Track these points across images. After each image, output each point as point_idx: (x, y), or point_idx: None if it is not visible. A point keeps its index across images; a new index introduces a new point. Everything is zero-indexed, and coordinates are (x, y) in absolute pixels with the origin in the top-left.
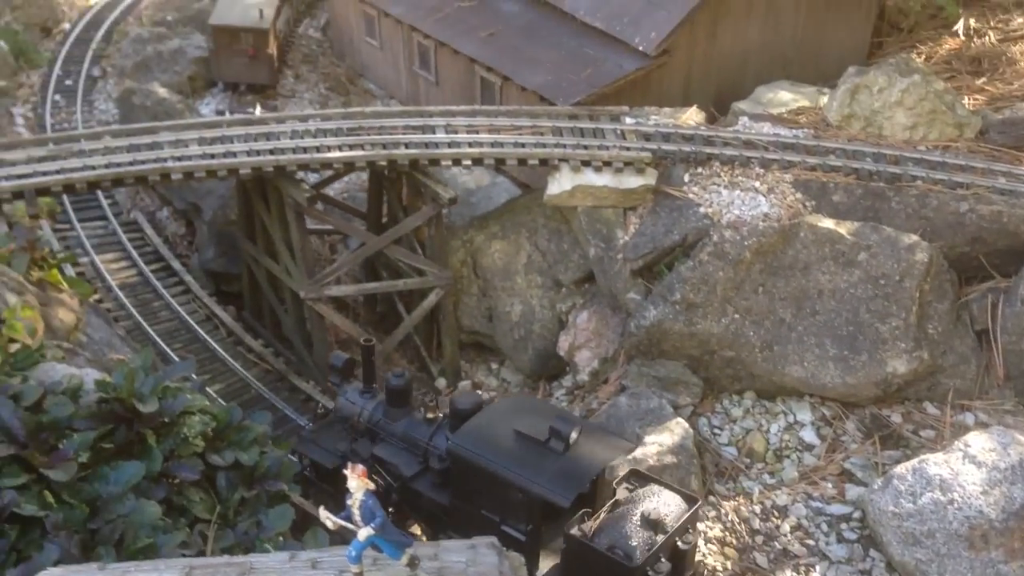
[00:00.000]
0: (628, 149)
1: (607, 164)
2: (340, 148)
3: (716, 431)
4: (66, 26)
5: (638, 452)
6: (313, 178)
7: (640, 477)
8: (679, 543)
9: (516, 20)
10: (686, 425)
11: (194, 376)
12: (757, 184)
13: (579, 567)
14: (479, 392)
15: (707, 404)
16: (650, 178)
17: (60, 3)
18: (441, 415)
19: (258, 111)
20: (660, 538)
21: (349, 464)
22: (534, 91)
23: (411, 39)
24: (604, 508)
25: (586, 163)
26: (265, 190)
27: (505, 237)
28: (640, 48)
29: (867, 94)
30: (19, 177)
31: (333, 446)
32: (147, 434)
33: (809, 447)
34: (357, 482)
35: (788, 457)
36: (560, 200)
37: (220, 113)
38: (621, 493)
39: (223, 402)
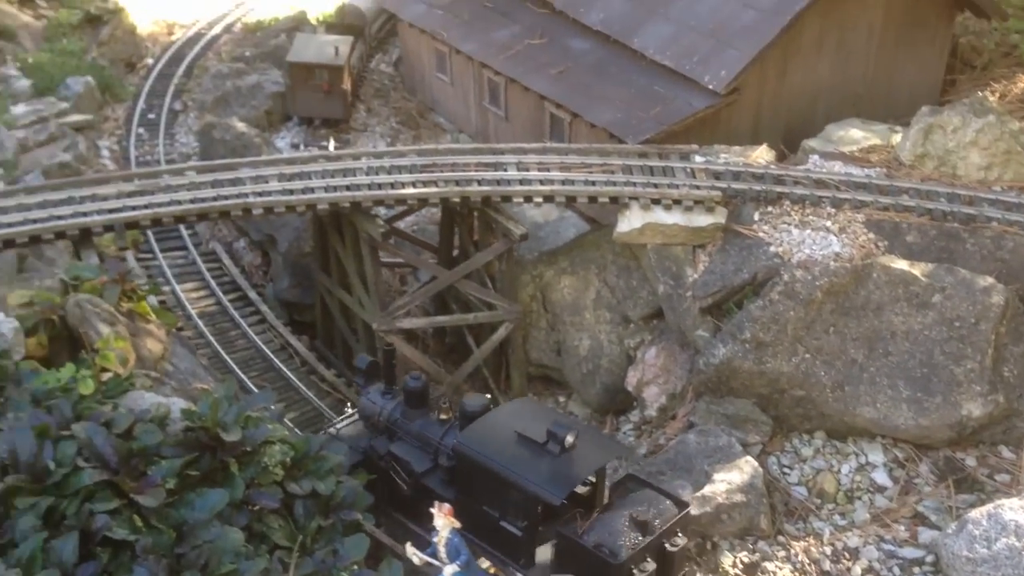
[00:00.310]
0: (698, 187)
1: (677, 202)
2: (414, 184)
3: (786, 470)
4: (149, 61)
5: (706, 490)
6: (385, 210)
7: (636, 481)
8: (667, 545)
9: (586, 58)
10: (755, 463)
11: (273, 406)
12: (828, 223)
13: (569, 563)
14: (487, 396)
15: (777, 443)
16: (720, 216)
17: (144, 39)
18: (454, 416)
19: (331, 145)
20: (646, 539)
21: (436, 503)
22: (604, 128)
23: (481, 75)
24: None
25: (656, 201)
26: (340, 224)
27: (574, 272)
28: (710, 86)
29: (941, 134)
30: (110, 211)
31: (355, 443)
32: (230, 462)
33: (881, 489)
34: (444, 520)
35: (859, 498)
36: (629, 238)
37: (295, 146)
38: (616, 495)
39: (298, 431)
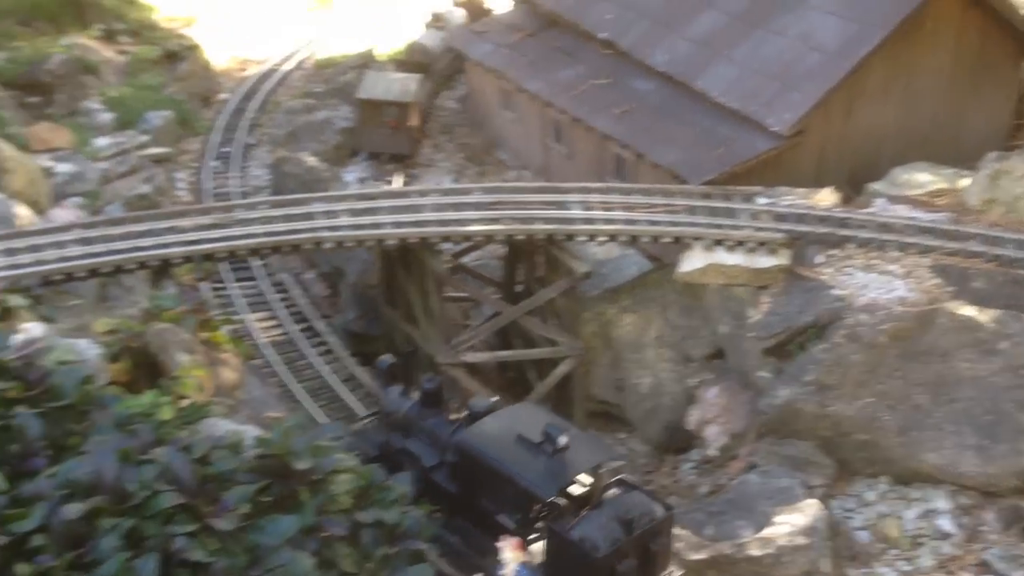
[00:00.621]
0: (761, 229)
1: (740, 243)
2: (480, 221)
3: (849, 514)
4: (224, 96)
5: (767, 531)
6: (451, 246)
7: (626, 484)
8: (650, 545)
9: (650, 98)
10: (818, 506)
11: (343, 436)
12: (894, 267)
13: (557, 555)
14: (495, 398)
15: (840, 486)
16: (783, 258)
17: (219, 75)
18: (464, 417)
19: (397, 180)
20: (628, 537)
21: (503, 537)
22: (667, 168)
23: (546, 114)
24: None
25: (719, 242)
26: (407, 258)
27: (636, 311)
28: (774, 128)
29: (1008, 179)
30: (189, 243)
31: (374, 438)
32: (301, 490)
33: (946, 536)
34: (512, 554)
35: (924, 544)
36: (692, 277)
37: (363, 181)
38: (607, 496)
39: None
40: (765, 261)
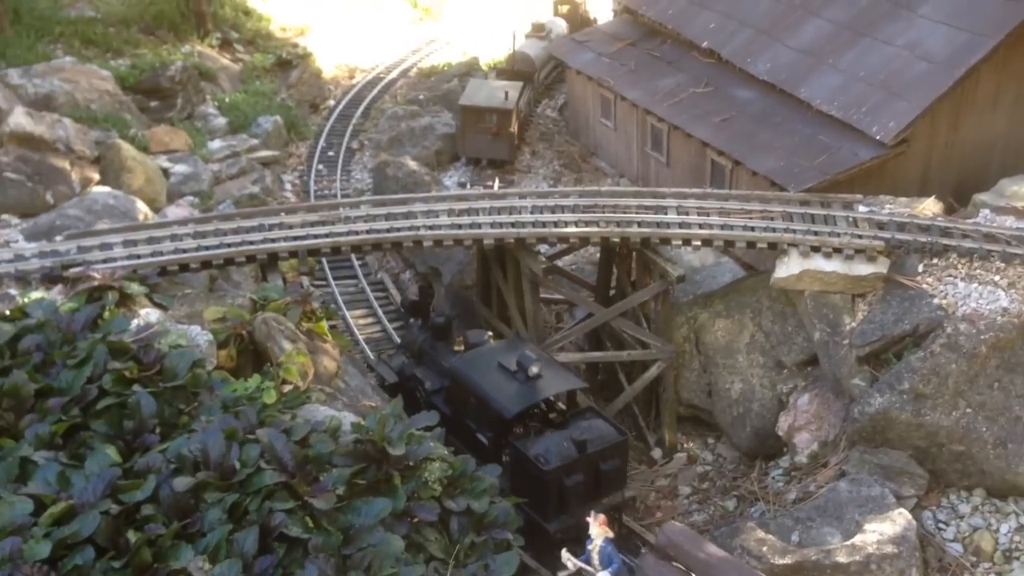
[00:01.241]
0: (860, 237)
1: (837, 251)
2: (576, 223)
3: (941, 526)
4: (331, 103)
5: (856, 539)
6: (546, 248)
7: (593, 412)
8: (600, 465)
9: (750, 106)
10: (909, 516)
11: (435, 426)
12: (997, 278)
13: (518, 468)
14: (490, 334)
15: (932, 497)
16: (882, 266)
17: (328, 82)
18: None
19: (496, 185)
20: (578, 455)
21: (592, 513)
22: (765, 176)
23: (645, 121)
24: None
25: (816, 249)
26: (503, 259)
27: (729, 316)
28: (877, 137)
29: None
30: (295, 239)
31: (396, 364)
32: (394, 475)
33: None
34: (598, 529)
35: (1018, 559)
36: (787, 283)
37: (462, 185)
38: (572, 420)
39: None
40: (863, 268)
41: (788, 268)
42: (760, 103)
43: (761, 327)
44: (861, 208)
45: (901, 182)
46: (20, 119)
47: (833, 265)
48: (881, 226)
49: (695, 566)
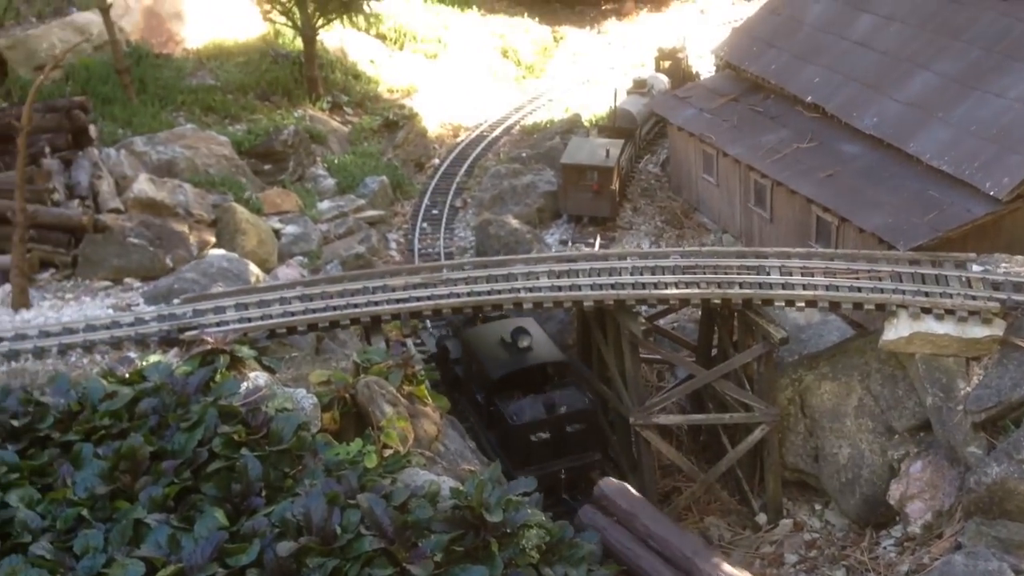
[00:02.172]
0: (974, 298)
1: (950, 312)
2: (676, 285)
3: None
4: (436, 161)
5: None
6: (647, 308)
7: (574, 384)
8: (566, 427)
9: (856, 161)
10: None
11: (533, 492)
12: None
13: (496, 423)
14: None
15: None
16: (997, 329)
17: (433, 141)
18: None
19: (597, 243)
20: (545, 416)
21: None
22: (873, 233)
23: (748, 177)
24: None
25: (927, 310)
26: (603, 319)
27: (836, 378)
28: (991, 192)
29: None
30: (398, 301)
31: (436, 337)
32: (491, 542)
33: None
34: None
35: None
36: (896, 346)
37: (564, 243)
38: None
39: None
40: (977, 331)
41: (897, 330)
42: (867, 158)
43: (870, 390)
44: (975, 267)
45: (1017, 239)
46: (143, 185)
47: (945, 327)
48: (996, 286)
49: (621, 514)
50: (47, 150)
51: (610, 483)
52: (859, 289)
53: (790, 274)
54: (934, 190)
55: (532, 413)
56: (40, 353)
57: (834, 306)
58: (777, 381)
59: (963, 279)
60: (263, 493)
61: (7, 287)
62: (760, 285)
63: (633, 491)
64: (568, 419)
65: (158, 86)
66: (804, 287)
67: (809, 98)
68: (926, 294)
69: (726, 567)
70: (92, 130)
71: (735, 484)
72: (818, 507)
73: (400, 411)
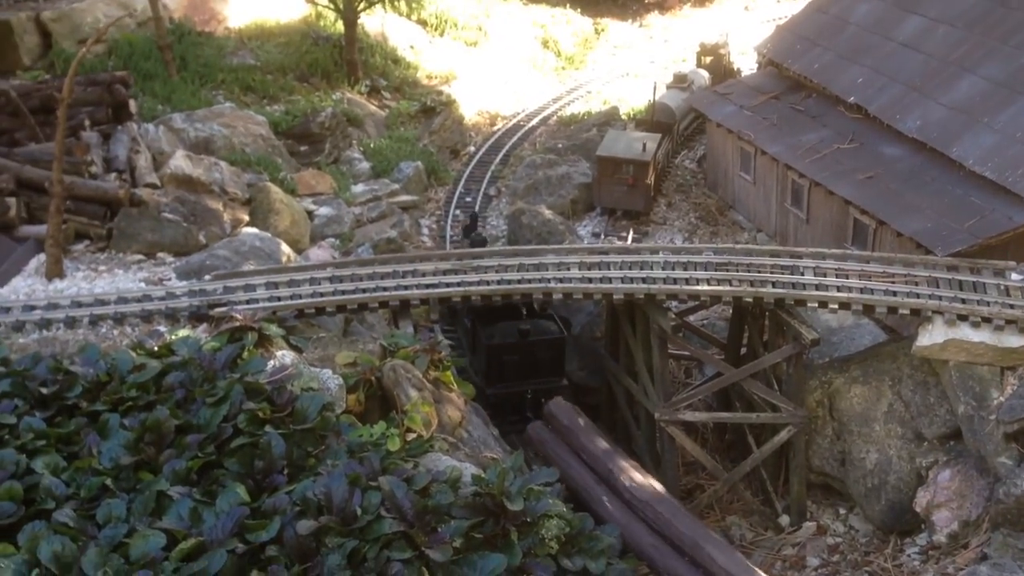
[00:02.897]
0: (1012, 306)
1: (986, 320)
2: (708, 281)
3: None
4: (471, 149)
5: None
6: (677, 304)
7: (553, 316)
8: (536, 353)
9: (897, 164)
10: None
11: (555, 483)
12: None
13: (475, 344)
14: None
15: None
16: None
17: (469, 129)
18: None
19: (630, 236)
20: (516, 340)
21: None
22: (911, 237)
23: (785, 176)
24: None
25: (963, 317)
26: (633, 314)
27: (866, 382)
28: None
29: None
30: (427, 286)
31: None
32: (511, 530)
33: None
34: None
35: None
36: (930, 352)
37: (596, 235)
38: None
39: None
40: (1014, 340)
41: (932, 336)
42: (908, 161)
43: (901, 396)
44: (1014, 276)
45: None
46: (180, 162)
47: (981, 335)
48: None
49: (562, 430)
50: (87, 123)
51: (559, 403)
52: (894, 293)
53: (824, 275)
54: (975, 196)
55: (505, 337)
56: (71, 323)
57: (868, 309)
58: (806, 383)
59: (1001, 287)
60: (285, 471)
61: (42, 256)
62: (793, 285)
63: (577, 414)
64: (537, 346)
65: (199, 64)
66: (838, 289)
67: (852, 98)
68: (963, 301)
69: (636, 475)
70: (132, 105)
71: (759, 484)
72: (842, 511)
73: (425, 396)
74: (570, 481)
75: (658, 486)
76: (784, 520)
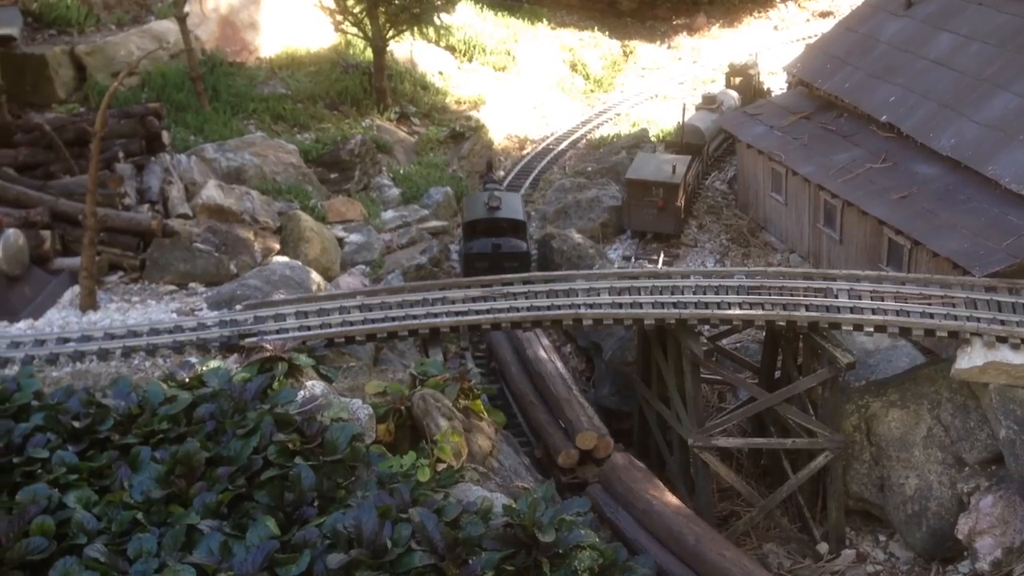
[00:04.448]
0: None
1: None
2: (740, 305)
3: None
4: (501, 173)
5: None
6: (708, 328)
7: (522, 235)
8: (503, 263)
9: (932, 184)
10: None
11: (588, 512)
12: None
13: (461, 254)
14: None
15: None
16: None
17: (498, 153)
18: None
19: (660, 259)
20: (490, 250)
21: None
22: (948, 258)
23: (818, 197)
24: None
25: (1002, 339)
26: (664, 339)
27: (904, 406)
28: None
29: None
30: (457, 314)
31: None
32: (543, 562)
33: None
34: None
35: None
36: (969, 375)
37: (627, 258)
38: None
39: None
40: None
41: (971, 359)
42: (943, 180)
43: (940, 420)
44: None
45: None
46: (212, 192)
47: (1021, 358)
48: None
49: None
50: (121, 155)
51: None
52: (931, 315)
53: (859, 297)
54: (1012, 215)
55: (481, 248)
56: (104, 355)
57: (904, 332)
58: (842, 407)
59: None
60: (315, 503)
61: (76, 288)
62: (827, 308)
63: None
64: (505, 256)
65: (230, 94)
66: (873, 311)
67: (884, 117)
68: (1002, 322)
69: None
70: (165, 136)
71: (796, 511)
72: (882, 538)
73: (455, 425)
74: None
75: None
76: (823, 547)
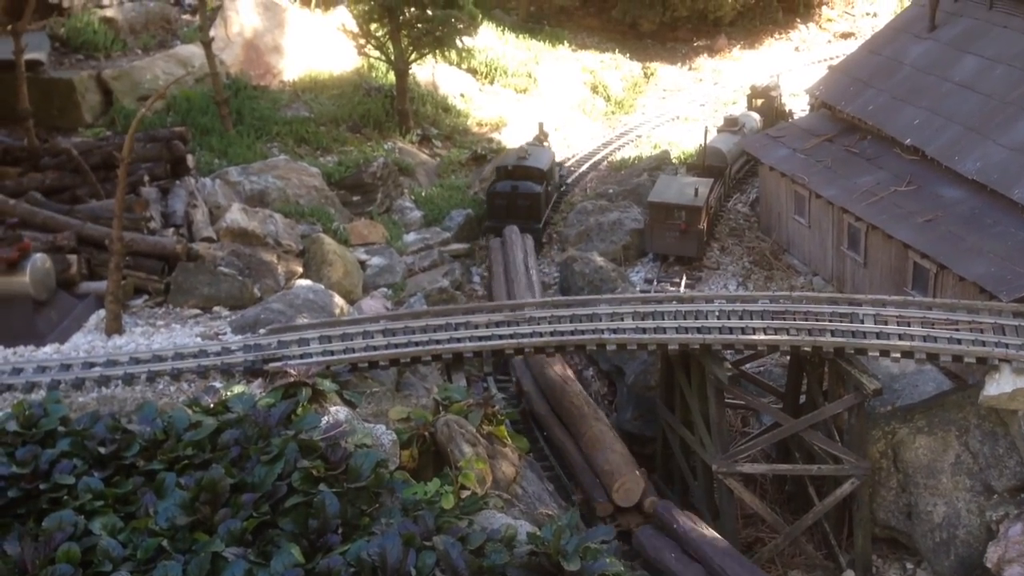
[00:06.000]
0: None
1: None
2: (765, 331)
3: None
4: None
5: None
6: (732, 353)
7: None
8: (519, 202)
9: (957, 207)
10: None
11: (612, 540)
12: None
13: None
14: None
15: None
16: None
17: None
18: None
19: (683, 283)
20: (509, 191)
21: None
22: (974, 282)
23: (841, 220)
24: None
25: None
26: (688, 363)
27: (931, 433)
28: None
29: None
30: (480, 339)
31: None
32: None
33: None
34: None
35: None
36: (998, 402)
37: (649, 281)
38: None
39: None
40: None
41: (1000, 386)
42: (968, 204)
43: (968, 447)
44: None
45: None
46: (236, 215)
47: None
48: None
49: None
50: (147, 179)
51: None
52: (959, 341)
53: (885, 323)
54: None
55: (501, 188)
56: (130, 380)
57: (932, 358)
58: (869, 433)
59: None
60: (340, 530)
61: (102, 313)
62: (853, 333)
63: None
64: (520, 196)
65: (254, 117)
66: (900, 337)
67: (908, 140)
68: None
69: None
70: (190, 160)
71: (821, 538)
72: (909, 566)
73: (479, 451)
74: None
75: None
76: (849, 575)
